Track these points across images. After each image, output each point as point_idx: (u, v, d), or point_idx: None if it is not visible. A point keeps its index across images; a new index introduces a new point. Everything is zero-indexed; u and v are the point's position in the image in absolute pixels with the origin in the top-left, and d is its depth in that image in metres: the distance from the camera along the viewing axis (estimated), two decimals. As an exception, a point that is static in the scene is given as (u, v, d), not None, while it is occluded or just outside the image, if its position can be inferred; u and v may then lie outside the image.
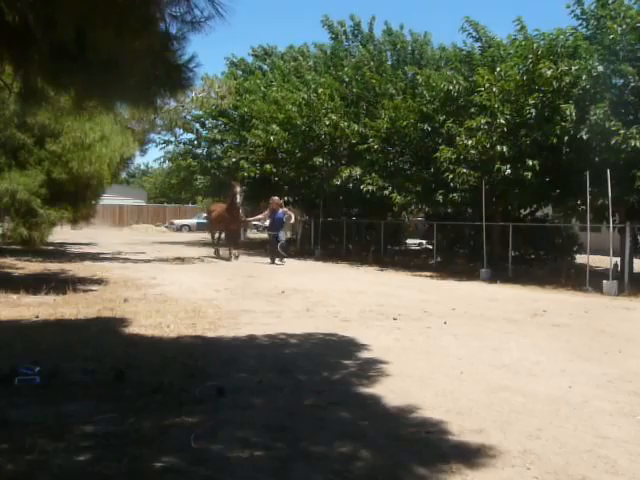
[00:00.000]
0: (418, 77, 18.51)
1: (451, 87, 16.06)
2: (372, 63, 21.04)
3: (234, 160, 24.22)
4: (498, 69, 14.97)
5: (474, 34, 16.88)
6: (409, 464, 3.53)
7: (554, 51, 14.03)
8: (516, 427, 4.21)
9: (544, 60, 13.63)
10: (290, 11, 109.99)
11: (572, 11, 14.14)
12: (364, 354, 6.42)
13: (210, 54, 63.86)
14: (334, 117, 19.67)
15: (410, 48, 22.37)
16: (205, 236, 35.03)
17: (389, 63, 22.07)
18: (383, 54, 22.25)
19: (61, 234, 23.03)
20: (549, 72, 13.33)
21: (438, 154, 15.58)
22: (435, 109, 17.15)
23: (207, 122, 28.13)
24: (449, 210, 18.63)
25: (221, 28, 3.87)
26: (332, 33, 25.15)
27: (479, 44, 17.08)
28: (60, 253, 19.56)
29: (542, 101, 13.85)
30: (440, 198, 16.34)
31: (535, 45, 14.18)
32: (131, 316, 8.14)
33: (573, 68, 13.20)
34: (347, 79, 20.97)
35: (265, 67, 27.98)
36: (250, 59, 28.20)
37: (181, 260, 18.67)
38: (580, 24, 14.14)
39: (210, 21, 3.78)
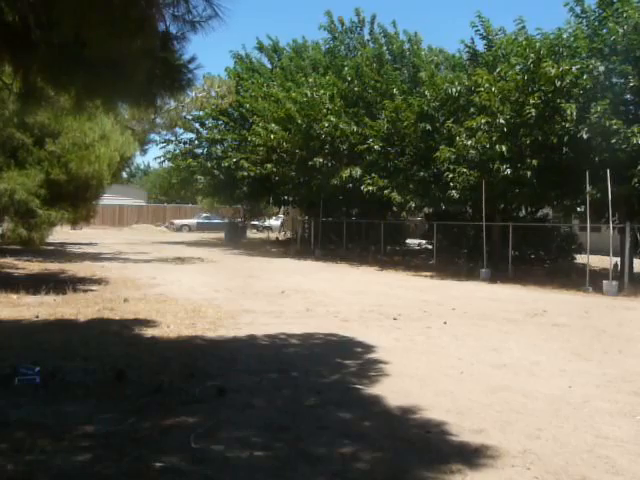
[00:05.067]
0: (421, 74, 18.50)
1: (453, 89, 16.06)
2: (374, 65, 20.99)
3: (235, 160, 24.21)
4: (498, 69, 14.97)
5: (482, 31, 16.81)
6: (409, 464, 3.53)
7: (555, 50, 14.02)
8: (516, 427, 4.21)
9: (546, 59, 13.62)
10: (294, 8, 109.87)
11: (571, 9, 14.13)
12: (364, 354, 6.42)
13: (212, 51, 63.81)
14: (333, 119, 19.66)
15: (404, 48, 22.30)
16: (204, 236, 34.93)
17: (389, 63, 21.97)
18: (382, 54, 22.16)
19: (61, 234, 23.03)
20: (553, 70, 13.31)
21: (438, 154, 15.58)
22: (435, 108, 17.15)
23: (207, 122, 28.08)
24: (448, 209, 18.61)
25: (223, 26, 3.86)
26: (331, 34, 25.09)
27: (485, 42, 17.04)
28: (60, 253, 19.56)
29: (543, 101, 13.84)
30: (439, 194, 16.34)
31: (537, 44, 14.17)
32: (131, 316, 8.14)
33: (574, 67, 13.20)
34: (349, 78, 20.94)
35: (268, 64, 27.83)
36: (256, 53, 28.00)
37: (181, 260, 18.67)
38: (580, 22, 14.12)
39: (210, 21, 3.78)
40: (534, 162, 13.77)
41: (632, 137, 12.06)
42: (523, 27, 15.52)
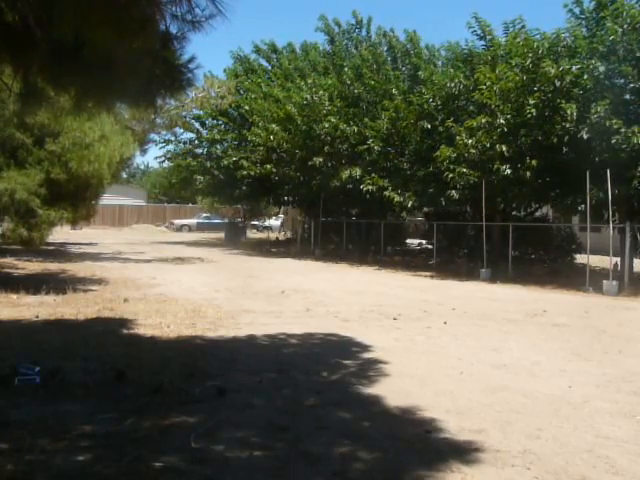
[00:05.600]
0: (420, 73, 18.48)
1: (452, 84, 16.05)
2: (374, 66, 21.00)
3: (234, 159, 24.21)
4: (498, 70, 14.96)
5: (479, 32, 16.80)
6: (409, 464, 3.53)
7: (555, 50, 14.02)
8: (516, 427, 4.21)
9: (545, 59, 13.62)
10: (294, 8, 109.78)
11: (570, 10, 14.11)
12: (364, 354, 6.42)
13: (213, 51, 63.70)
14: (333, 120, 19.66)
15: (405, 48, 22.29)
16: (204, 236, 34.92)
17: (388, 63, 21.98)
18: (381, 54, 22.16)
19: (61, 234, 23.03)
20: (552, 70, 13.32)
21: (438, 153, 15.57)
22: (436, 107, 17.14)
23: (207, 122, 28.07)
24: (448, 208, 18.61)
25: (224, 26, 3.84)
26: (328, 35, 25.12)
27: (482, 42, 17.03)
28: (60, 253, 19.56)
29: (542, 100, 13.84)
30: (439, 194, 16.36)
31: (536, 44, 14.17)
32: (131, 316, 8.14)
33: (574, 67, 13.20)
34: (349, 81, 20.97)
35: (267, 65, 27.85)
36: (254, 56, 28.03)
37: (181, 260, 18.67)
38: (579, 24, 14.11)
39: (212, 20, 3.77)
40: (534, 162, 13.77)
41: (632, 137, 12.06)
42: (523, 27, 15.51)
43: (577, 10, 14.05)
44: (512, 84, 14.28)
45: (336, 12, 35.37)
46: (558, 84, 13.45)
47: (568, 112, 12.97)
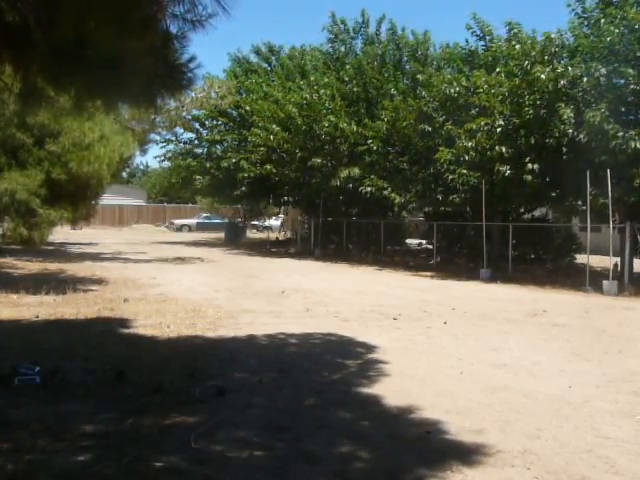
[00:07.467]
0: (419, 77, 18.47)
1: (452, 90, 16.06)
2: (375, 63, 20.98)
3: (234, 160, 24.19)
4: (497, 69, 14.95)
5: (478, 32, 16.78)
6: (409, 464, 3.53)
7: (550, 51, 13.99)
8: (516, 427, 4.21)
9: (537, 64, 13.62)
10: (295, 9, 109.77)
11: (573, 9, 14.07)
12: (364, 354, 6.42)
13: (212, 52, 63.72)
14: (333, 119, 19.66)
15: (413, 48, 22.23)
16: (204, 236, 34.94)
17: (391, 63, 21.95)
18: (386, 54, 22.13)
19: (61, 234, 23.04)
20: (543, 76, 13.35)
21: (438, 155, 15.57)
22: (435, 109, 17.14)
23: (207, 122, 28.05)
24: (449, 210, 18.61)
25: (225, 26, 3.84)
26: (332, 34, 25.08)
27: (482, 43, 17.01)
28: (60, 253, 19.55)
29: (539, 103, 13.83)
30: (440, 197, 16.34)
31: (529, 48, 14.17)
32: (131, 316, 8.14)
33: (570, 69, 13.18)
34: (347, 78, 20.94)
35: (267, 66, 27.87)
36: (253, 57, 28.08)
37: (181, 260, 18.67)
38: (581, 22, 14.07)
39: (213, 19, 3.77)
40: (534, 165, 13.75)
41: (631, 141, 12.03)
42: (515, 32, 15.48)
43: (580, 9, 14.01)
44: (509, 87, 14.27)
45: (336, 12, 35.21)
46: (552, 87, 13.44)
47: (565, 117, 12.97)
